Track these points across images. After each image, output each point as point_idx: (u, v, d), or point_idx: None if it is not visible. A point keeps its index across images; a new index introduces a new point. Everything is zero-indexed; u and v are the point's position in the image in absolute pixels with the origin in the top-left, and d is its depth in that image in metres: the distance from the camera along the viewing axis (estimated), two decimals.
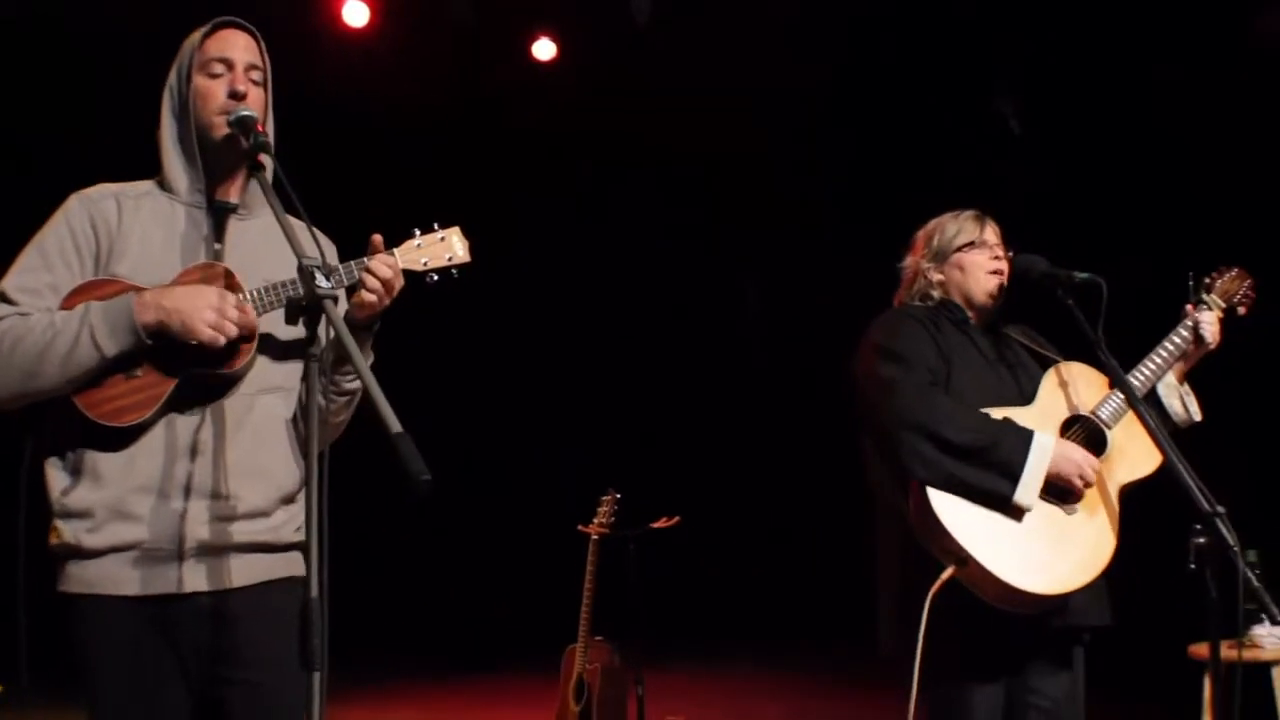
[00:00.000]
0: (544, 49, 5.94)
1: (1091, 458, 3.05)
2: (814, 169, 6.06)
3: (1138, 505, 3.21)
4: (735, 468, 5.86)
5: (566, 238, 5.83)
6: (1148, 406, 3.12)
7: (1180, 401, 3.27)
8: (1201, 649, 4.07)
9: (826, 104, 5.79)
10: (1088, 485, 3.03)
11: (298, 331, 2.19)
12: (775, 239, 6.28)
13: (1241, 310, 3.40)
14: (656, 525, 5.41)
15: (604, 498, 5.29)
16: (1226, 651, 3.28)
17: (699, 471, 5.79)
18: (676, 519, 5.41)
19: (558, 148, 5.68)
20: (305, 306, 2.08)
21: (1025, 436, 3.00)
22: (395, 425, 1.87)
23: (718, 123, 5.88)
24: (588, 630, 5.12)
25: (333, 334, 2.39)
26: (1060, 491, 3.03)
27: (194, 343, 2.33)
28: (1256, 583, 2.65)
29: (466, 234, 2.62)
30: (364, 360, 2.02)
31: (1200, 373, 3.35)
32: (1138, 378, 3.20)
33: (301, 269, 2.09)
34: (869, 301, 3.40)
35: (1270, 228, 4.68)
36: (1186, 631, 4.14)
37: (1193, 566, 2.72)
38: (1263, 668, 4.19)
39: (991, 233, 3.38)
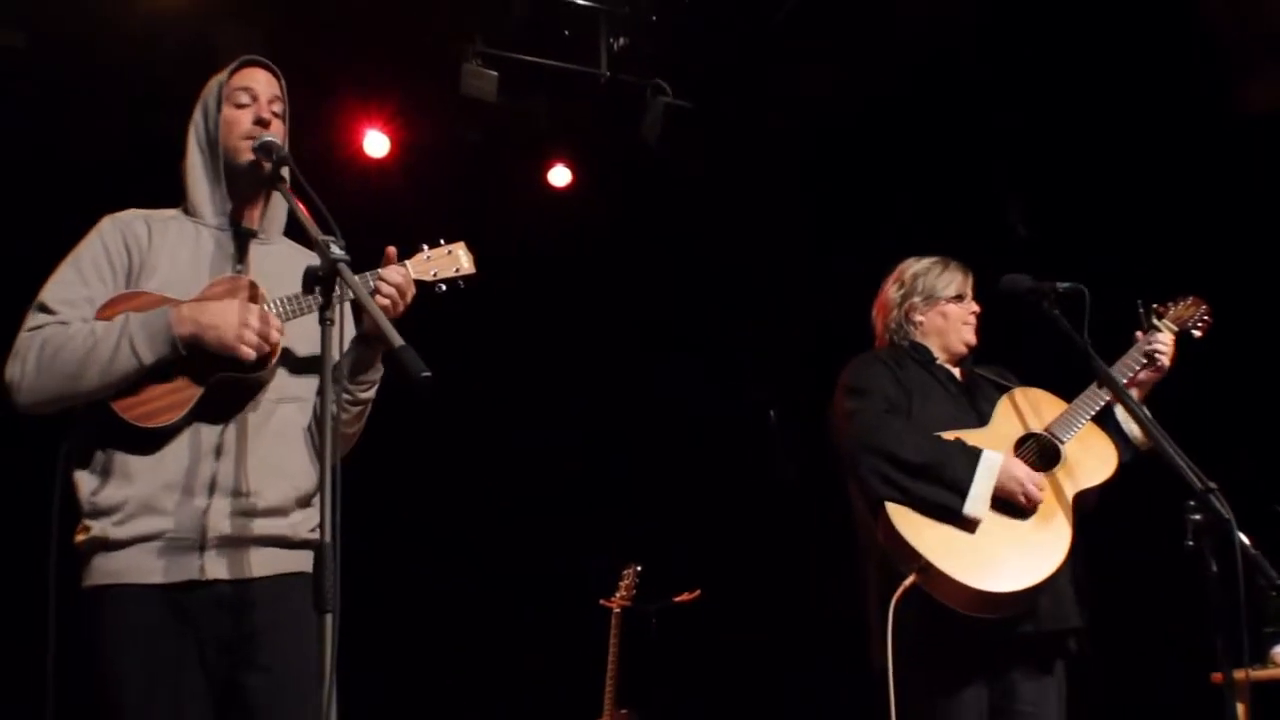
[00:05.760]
0: (559, 175, 6.19)
1: (1036, 475, 3.21)
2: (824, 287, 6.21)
3: (1161, 529, 3.22)
4: (756, 542, 5.89)
5: (587, 337, 6.00)
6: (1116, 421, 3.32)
7: (1139, 428, 3.34)
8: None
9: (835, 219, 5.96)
10: (1031, 501, 3.17)
11: (314, 348, 2.34)
12: (788, 352, 6.41)
13: (1197, 334, 3.47)
14: (678, 599, 5.45)
15: (625, 571, 5.35)
16: (1255, 673, 3.25)
17: (719, 545, 5.82)
18: (698, 592, 5.45)
19: (576, 269, 5.90)
20: (321, 276, 2.22)
21: (973, 454, 3.18)
22: (398, 340, 2.01)
23: (730, 238, 6.08)
24: (613, 703, 5.10)
25: (344, 347, 2.53)
26: (1009, 505, 3.17)
27: (228, 356, 2.48)
28: (1254, 551, 2.70)
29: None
30: (376, 306, 2.17)
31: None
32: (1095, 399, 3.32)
33: (316, 242, 2.25)
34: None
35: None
36: (1209, 660, 4.11)
37: (1190, 543, 2.77)
38: None
39: (971, 287, 3.58)
